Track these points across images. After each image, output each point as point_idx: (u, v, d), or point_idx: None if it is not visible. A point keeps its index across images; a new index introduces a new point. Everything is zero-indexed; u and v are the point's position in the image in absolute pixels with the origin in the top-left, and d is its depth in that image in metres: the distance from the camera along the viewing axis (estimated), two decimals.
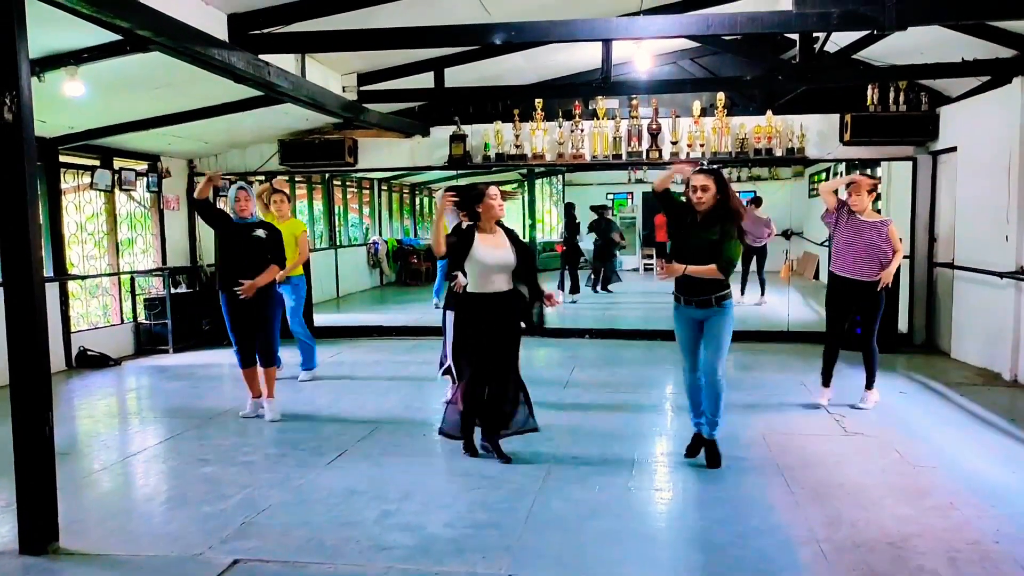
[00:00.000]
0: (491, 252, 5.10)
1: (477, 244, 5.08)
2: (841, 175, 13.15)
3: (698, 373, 5.15)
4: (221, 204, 11.31)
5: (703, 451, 5.18)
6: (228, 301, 6.27)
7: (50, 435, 3.95)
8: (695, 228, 4.95)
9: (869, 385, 6.52)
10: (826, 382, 6.65)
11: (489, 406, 5.28)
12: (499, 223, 5.23)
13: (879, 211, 11.14)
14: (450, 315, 5.85)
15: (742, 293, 12.01)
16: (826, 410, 6.45)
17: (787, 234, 12.86)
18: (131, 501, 4.83)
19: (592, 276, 14.31)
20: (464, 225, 5.34)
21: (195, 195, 6.34)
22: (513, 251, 5.17)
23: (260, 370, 6.43)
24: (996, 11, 5.28)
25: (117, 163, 9.46)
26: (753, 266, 12.35)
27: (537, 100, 9.77)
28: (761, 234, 11.46)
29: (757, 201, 12.39)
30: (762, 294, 12.26)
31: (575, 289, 13.40)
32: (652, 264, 16.89)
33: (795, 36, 8.32)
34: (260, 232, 6.28)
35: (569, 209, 13.65)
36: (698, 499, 4.62)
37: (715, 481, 4.87)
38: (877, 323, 6.40)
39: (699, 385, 5.16)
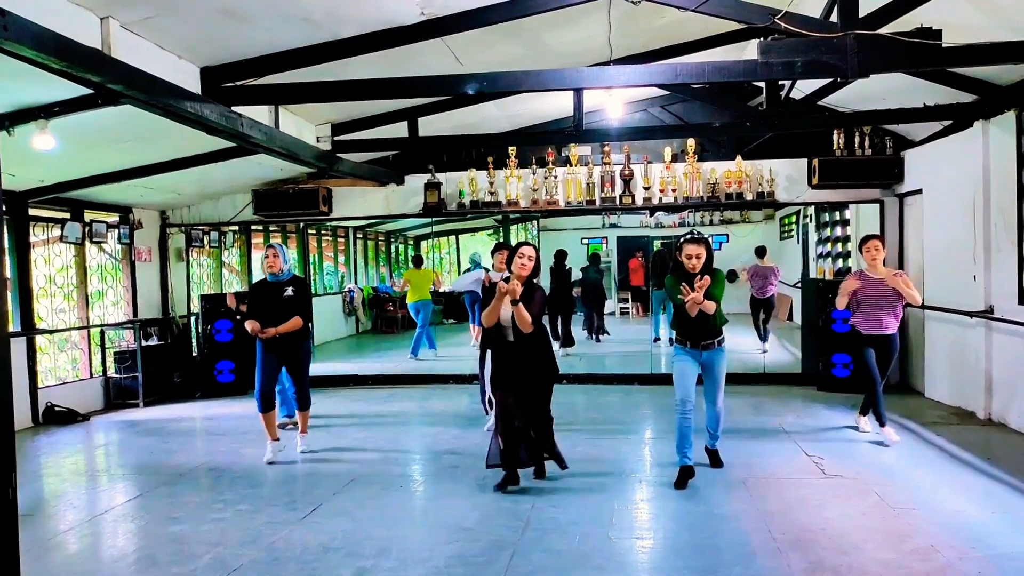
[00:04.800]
0: (504, 309, 5.45)
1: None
2: (811, 218, 13.38)
3: (690, 408, 5.70)
4: (195, 254, 11.29)
5: (688, 475, 5.69)
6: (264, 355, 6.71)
7: (13, 498, 3.81)
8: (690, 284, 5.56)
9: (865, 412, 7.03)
10: (881, 422, 6.83)
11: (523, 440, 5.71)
12: (529, 280, 5.52)
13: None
14: (487, 355, 6.31)
15: (764, 340, 11.81)
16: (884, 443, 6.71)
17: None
18: (97, 563, 4.67)
19: (586, 323, 13.94)
20: (501, 278, 5.86)
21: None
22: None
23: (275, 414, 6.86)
24: (954, 59, 5.43)
25: (88, 215, 9.38)
26: (761, 315, 12.11)
27: (511, 148, 9.88)
28: (771, 282, 11.54)
29: (761, 251, 12.23)
30: (764, 341, 11.98)
31: (569, 342, 13.01)
32: (628, 308, 16.94)
33: (761, 84, 8.51)
34: (290, 291, 6.67)
35: (560, 257, 13.14)
36: (680, 547, 4.55)
37: (696, 528, 4.82)
38: (888, 365, 6.84)
39: (689, 423, 5.70)
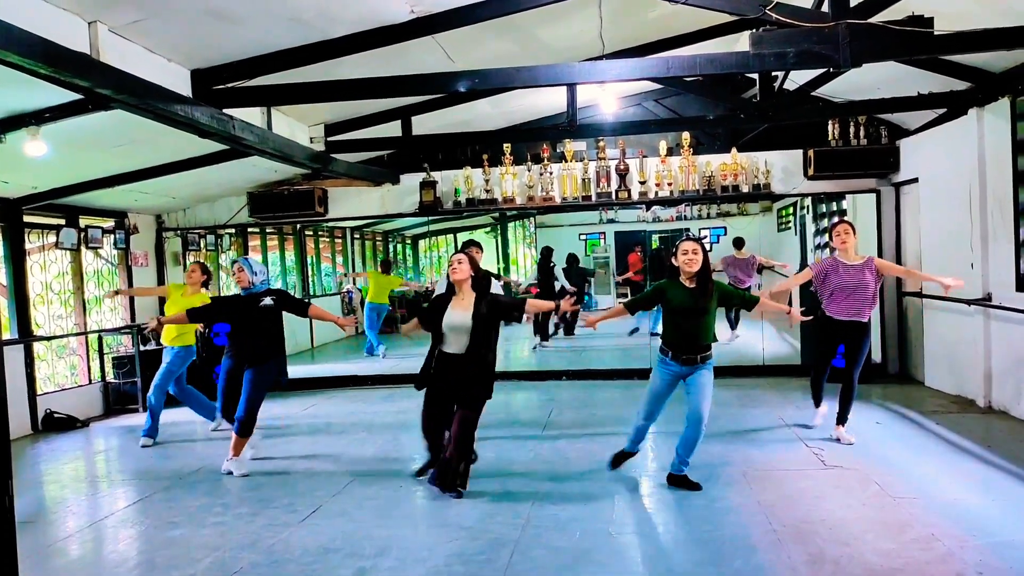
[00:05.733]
0: (450, 315, 5.46)
1: (449, 307, 5.50)
2: (808, 209, 13.35)
3: (647, 430, 5.69)
4: (191, 257, 11.26)
5: (671, 482, 5.55)
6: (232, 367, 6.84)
7: (10, 505, 3.79)
8: (691, 295, 5.32)
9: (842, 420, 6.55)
10: (818, 403, 6.89)
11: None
12: (476, 286, 5.49)
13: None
14: None
15: (733, 329, 11.93)
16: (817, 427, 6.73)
17: (759, 268, 12.89)
18: (98, 568, 4.66)
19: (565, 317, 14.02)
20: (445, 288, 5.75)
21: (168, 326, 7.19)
22: (471, 314, 5.41)
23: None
24: (946, 46, 5.41)
25: (83, 221, 9.35)
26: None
27: (505, 145, 9.86)
28: (749, 274, 11.59)
29: (738, 242, 12.30)
30: (733, 329, 12.08)
31: (545, 336, 13.16)
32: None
33: (755, 76, 8.49)
34: (268, 300, 6.45)
35: (546, 254, 13.03)
36: (680, 541, 4.55)
37: (696, 522, 4.81)
38: (862, 360, 6.49)
39: (646, 432, 5.73)
